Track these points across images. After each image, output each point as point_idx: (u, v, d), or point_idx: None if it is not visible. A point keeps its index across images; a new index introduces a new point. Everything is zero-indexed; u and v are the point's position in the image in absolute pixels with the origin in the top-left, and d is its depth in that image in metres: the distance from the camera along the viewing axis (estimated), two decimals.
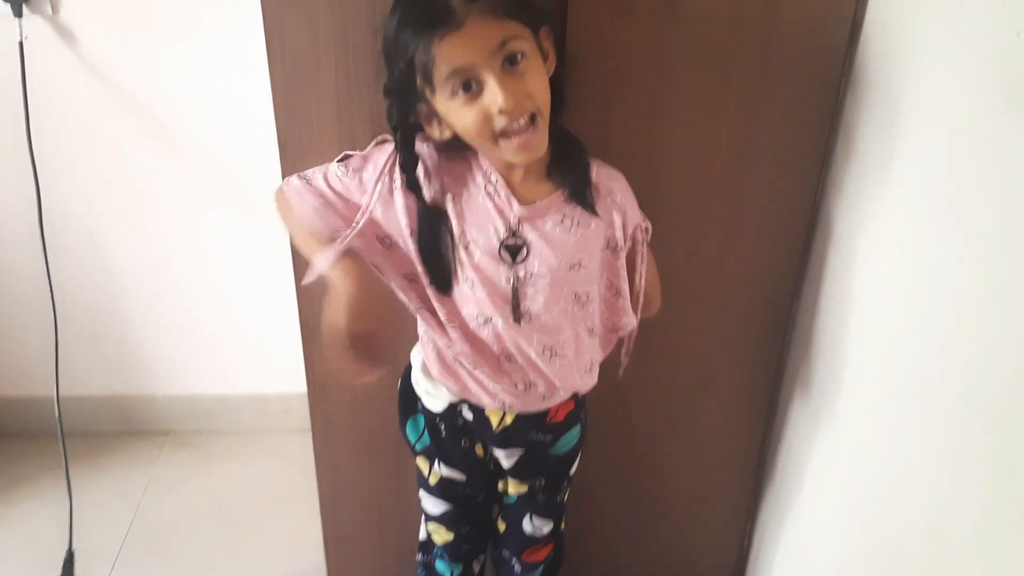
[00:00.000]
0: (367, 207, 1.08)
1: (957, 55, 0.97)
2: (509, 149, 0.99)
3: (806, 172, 1.29)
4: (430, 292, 1.13)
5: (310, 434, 1.52)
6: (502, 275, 1.10)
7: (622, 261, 1.14)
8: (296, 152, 1.25)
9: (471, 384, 1.18)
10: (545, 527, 1.37)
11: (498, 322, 1.12)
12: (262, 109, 1.28)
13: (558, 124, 1.07)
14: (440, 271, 1.11)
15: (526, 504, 1.35)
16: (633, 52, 1.19)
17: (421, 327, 1.20)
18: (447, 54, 0.94)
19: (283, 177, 1.27)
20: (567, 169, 1.09)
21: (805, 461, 1.42)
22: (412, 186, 1.07)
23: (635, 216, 1.14)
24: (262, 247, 1.92)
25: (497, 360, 1.16)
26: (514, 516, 1.37)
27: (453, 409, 1.23)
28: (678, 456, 1.57)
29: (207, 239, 1.93)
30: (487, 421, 1.22)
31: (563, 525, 1.42)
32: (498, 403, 1.19)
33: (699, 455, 1.57)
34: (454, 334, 1.14)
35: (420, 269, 1.11)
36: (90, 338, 2.04)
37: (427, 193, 1.08)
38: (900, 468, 1.10)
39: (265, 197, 1.75)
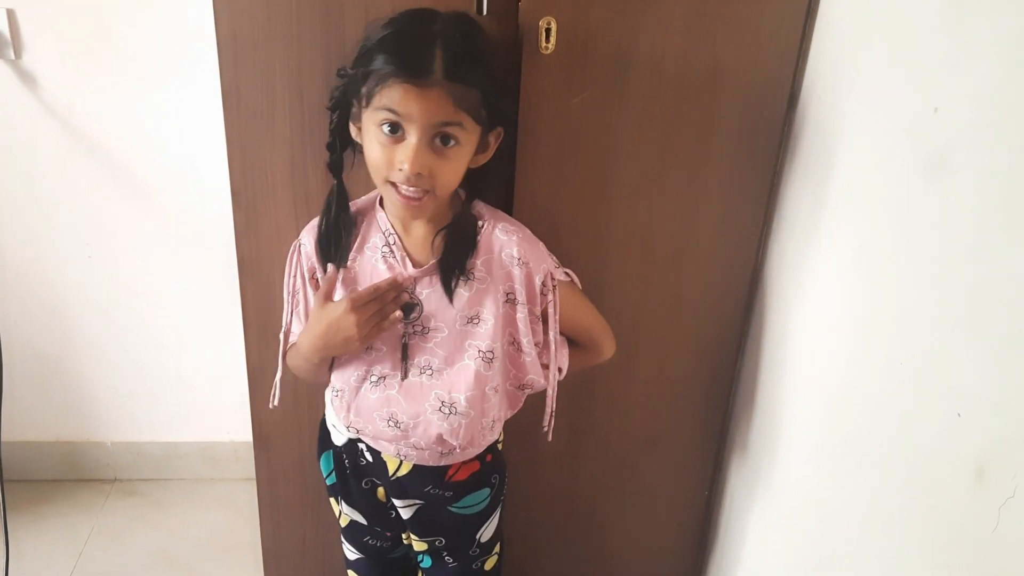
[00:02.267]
0: (292, 289, 1.18)
1: (883, 127, 1.02)
2: (393, 197, 1.03)
3: (747, 236, 1.33)
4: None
5: None
6: (399, 331, 1.12)
7: (523, 315, 1.12)
8: (249, 201, 1.27)
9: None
10: None
11: (392, 382, 1.14)
12: (217, 157, 1.29)
13: (472, 204, 1.12)
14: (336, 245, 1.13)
15: (439, 570, 1.30)
16: (583, 123, 1.23)
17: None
18: (398, 96, 0.97)
19: (235, 224, 1.28)
20: (454, 242, 1.10)
21: (747, 517, 1.43)
22: (334, 167, 1.10)
23: (542, 265, 1.12)
24: (213, 294, 1.92)
25: (383, 427, 1.16)
26: None
27: (354, 445, 1.22)
28: (626, 512, 1.57)
29: (158, 285, 1.93)
30: (384, 465, 1.21)
31: None
32: (393, 451, 1.18)
33: (646, 511, 1.57)
34: (336, 402, 1.19)
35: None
36: (37, 382, 2.01)
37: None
38: (835, 526, 1.12)
39: (218, 245, 1.77)
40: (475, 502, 1.24)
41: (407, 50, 0.97)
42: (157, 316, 1.97)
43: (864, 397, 1.04)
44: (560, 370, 1.18)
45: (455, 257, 1.09)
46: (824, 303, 1.17)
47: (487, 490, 1.25)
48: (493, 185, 1.16)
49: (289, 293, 1.18)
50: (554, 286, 1.13)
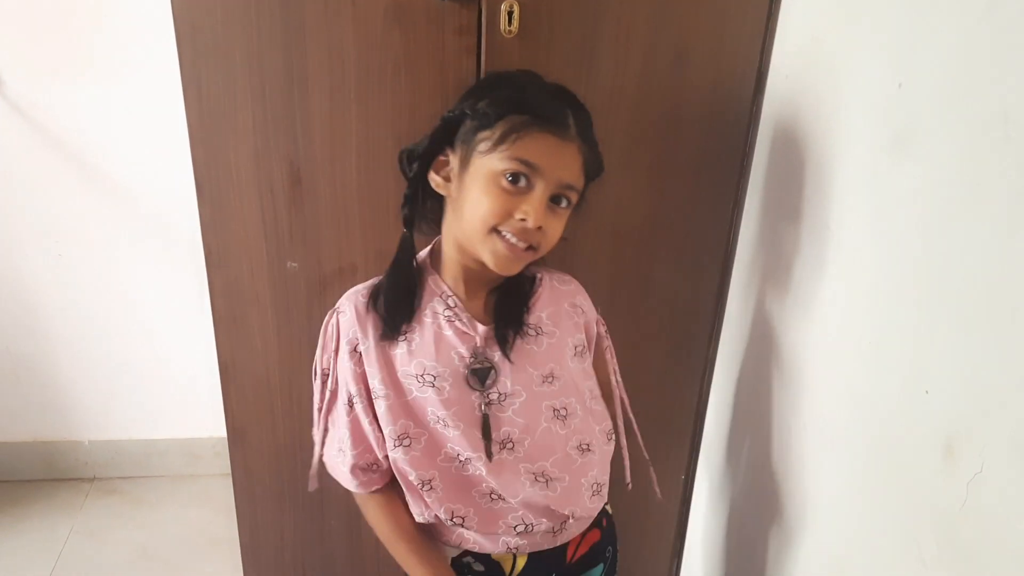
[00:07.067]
0: (332, 370, 1.05)
1: (848, 104, 1.02)
2: (496, 246, 0.96)
3: (718, 216, 1.33)
4: (399, 455, 1.03)
5: None
6: (474, 404, 1.02)
7: (587, 364, 1.09)
8: (213, 194, 1.25)
9: (465, 533, 1.06)
10: None
11: (478, 464, 1.02)
12: (184, 151, 1.27)
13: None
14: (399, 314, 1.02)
15: None
16: None
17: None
18: (537, 146, 0.93)
19: (200, 217, 1.26)
20: (508, 295, 1.05)
21: (721, 496, 1.44)
22: (409, 221, 1.03)
23: (591, 313, 1.11)
24: (187, 290, 1.90)
25: (485, 504, 1.04)
26: None
27: (460, 560, 1.09)
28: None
29: (132, 282, 1.91)
30: (498, 568, 1.08)
31: None
32: (502, 547, 1.06)
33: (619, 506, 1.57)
34: (431, 496, 1.03)
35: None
36: (12, 382, 1.99)
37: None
38: (806, 504, 1.12)
39: (186, 239, 1.74)
40: None
41: (546, 103, 0.94)
42: (129, 312, 1.95)
43: (832, 375, 1.04)
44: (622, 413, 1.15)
45: (511, 311, 1.04)
46: (791, 282, 1.16)
47: (600, 566, 1.15)
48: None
49: (317, 374, 1.06)
50: (605, 331, 1.12)
